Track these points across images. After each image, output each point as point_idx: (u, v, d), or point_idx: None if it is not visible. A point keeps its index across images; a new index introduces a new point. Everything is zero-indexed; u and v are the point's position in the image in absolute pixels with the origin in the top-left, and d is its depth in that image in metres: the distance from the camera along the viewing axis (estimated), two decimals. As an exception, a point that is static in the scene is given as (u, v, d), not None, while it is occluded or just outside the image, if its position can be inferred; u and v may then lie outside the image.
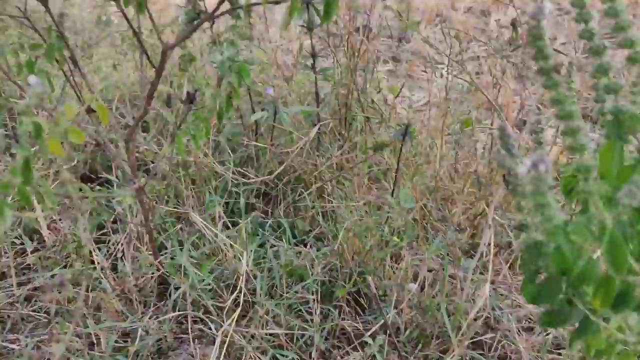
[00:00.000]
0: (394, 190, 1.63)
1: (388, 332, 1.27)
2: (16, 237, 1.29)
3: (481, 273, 1.55)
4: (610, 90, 0.49)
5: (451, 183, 1.89)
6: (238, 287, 1.22)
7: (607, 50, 0.48)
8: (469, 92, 2.60)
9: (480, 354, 1.28)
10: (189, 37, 0.88)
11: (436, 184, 1.83)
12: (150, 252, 1.22)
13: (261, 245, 1.54)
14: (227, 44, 0.86)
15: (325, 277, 1.43)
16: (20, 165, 0.50)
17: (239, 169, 1.66)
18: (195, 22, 0.85)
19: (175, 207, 1.48)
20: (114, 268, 1.28)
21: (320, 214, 1.65)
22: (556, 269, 0.44)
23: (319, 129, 1.81)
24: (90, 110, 0.71)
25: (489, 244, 1.27)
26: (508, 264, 1.55)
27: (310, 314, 1.32)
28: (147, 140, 1.53)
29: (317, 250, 1.49)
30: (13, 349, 1.09)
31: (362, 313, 1.45)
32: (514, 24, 2.10)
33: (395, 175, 1.60)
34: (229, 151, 1.61)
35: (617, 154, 0.48)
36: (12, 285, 1.23)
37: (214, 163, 1.54)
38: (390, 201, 1.46)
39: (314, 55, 1.67)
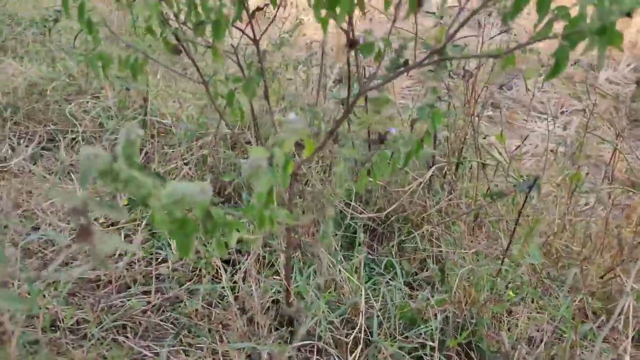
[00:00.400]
0: (510, 242, 1.58)
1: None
2: (154, 247, 1.36)
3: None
4: None
5: (557, 239, 1.81)
6: (359, 325, 1.21)
7: None
8: (574, 145, 2.51)
9: None
10: (390, 82, 0.91)
11: (547, 239, 1.76)
12: (280, 277, 1.24)
13: (369, 281, 1.53)
14: (429, 91, 0.88)
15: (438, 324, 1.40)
16: (264, 192, 0.53)
17: (351, 202, 1.67)
18: (400, 69, 0.87)
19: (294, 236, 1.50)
20: (237, 288, 1.31)
21: (430, 257, 1.63)
22: None
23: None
24: (298, 145, 0.75)
25: (625, 311, 1.20)
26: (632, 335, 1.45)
27: (424, 360, 1.29)
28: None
29: (430, 295, 1.46)
30: (145, 356, 1.13)
31: (472, 366, 1.40)
32: (639, 82, 2.02)
33: (514, 228, 1.55)
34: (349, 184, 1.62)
35: None
36: (142, 292, 1.28)
37: (330, 195, 1.57)
38: (513, 253, 1.42)
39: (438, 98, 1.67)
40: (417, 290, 1.58)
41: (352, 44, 0.89)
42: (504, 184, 1.79)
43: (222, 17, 0.87)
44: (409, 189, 1.71)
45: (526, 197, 1.52)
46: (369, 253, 1.70)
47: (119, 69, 0.94)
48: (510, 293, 1.49)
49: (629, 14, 0.61)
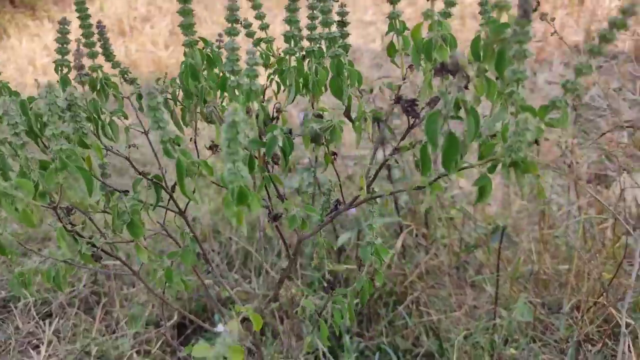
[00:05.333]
0: (497, 293, 1.53)
1: None
2: None
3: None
4: None
5: (542, 263, 1.77)
6: None
7: None
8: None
9: None
10: (325, 226, 0.89)
11: (532, 266, 1.70)
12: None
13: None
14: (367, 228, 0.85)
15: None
16: None
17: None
18: (333, 213, 0.86)
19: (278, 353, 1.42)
20: None
21: (422, 331, 1.57)
22: None
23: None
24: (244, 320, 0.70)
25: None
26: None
27: None
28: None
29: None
30: None
31: None
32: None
33: (497, 280, 1.51)
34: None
35: None
36: None
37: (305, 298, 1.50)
38: (502, 314, 1.37)
39: (389, 168, 1.65)
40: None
41: (275, 218, 0.88)
42: (474, 232, 1.75)
43: (137, 218, 0.84)
44: (385, 263, 1.66)
45: (499, 247, 1.48)
46: (360, 340, 1.62)
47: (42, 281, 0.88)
48: (512, 351, 1.43)
49: (536, 142, 0.59)
